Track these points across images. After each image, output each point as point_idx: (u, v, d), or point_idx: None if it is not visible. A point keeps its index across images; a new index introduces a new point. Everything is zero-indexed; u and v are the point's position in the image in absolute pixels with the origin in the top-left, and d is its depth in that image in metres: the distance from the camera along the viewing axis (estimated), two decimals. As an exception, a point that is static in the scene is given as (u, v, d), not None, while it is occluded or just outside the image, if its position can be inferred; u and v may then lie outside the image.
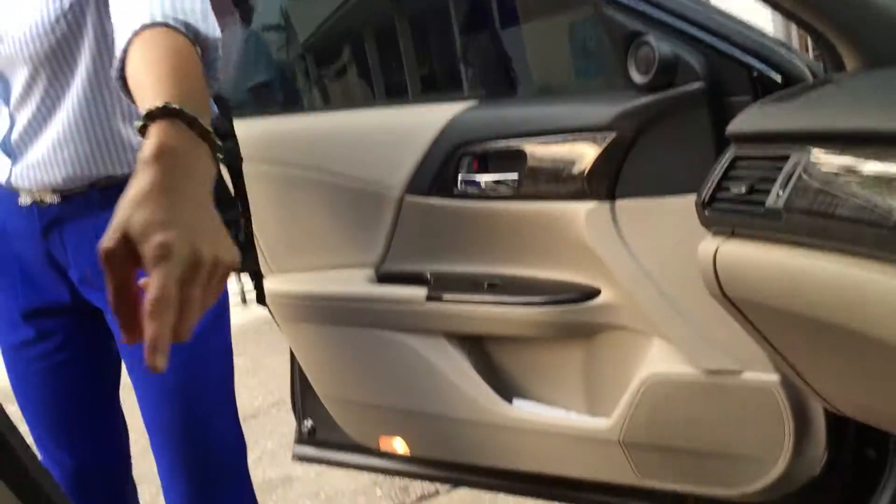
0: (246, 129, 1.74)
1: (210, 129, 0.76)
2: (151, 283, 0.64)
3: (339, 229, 1.76)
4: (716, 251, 1.07)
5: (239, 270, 1.65)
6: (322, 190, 1.72)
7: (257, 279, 1.79)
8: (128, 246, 0.66)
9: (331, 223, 1.76)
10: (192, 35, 0.95)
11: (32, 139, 1.26)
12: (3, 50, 1.21)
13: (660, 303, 1.39)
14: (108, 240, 0.66)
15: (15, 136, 1.27)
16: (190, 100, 0.78)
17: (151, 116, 0.74)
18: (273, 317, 1.85)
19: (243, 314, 4.59)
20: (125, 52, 0.93)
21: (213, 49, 1.01)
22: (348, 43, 2.16)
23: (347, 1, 2.09)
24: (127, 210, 0.67)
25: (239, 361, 3.92)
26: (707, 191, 1.10)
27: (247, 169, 1.72)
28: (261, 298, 1.72)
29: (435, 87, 1.93)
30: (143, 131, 0.74)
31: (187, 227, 0.67)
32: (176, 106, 0.74)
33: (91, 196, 1.28)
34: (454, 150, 1.55)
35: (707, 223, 1.11)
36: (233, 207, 1.67)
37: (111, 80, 1.13)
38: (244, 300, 4.84)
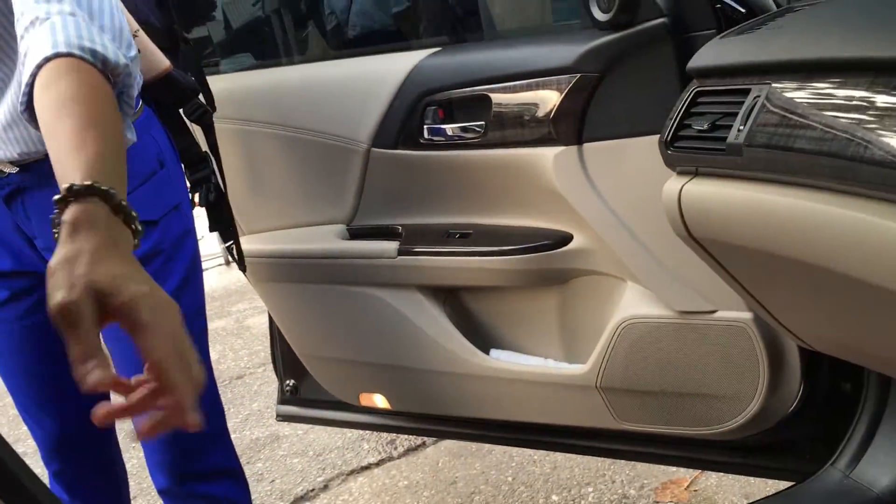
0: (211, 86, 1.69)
1: (125, 202, 0.74)
2: (151, 341, 0.62)
3: (309, 186, 1.73)
4: (680, 190, 1.05)
5: (212, 229, 1.61)
6: (289, 146, 1.69)
7: (235, 242, 1.76)
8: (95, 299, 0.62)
9: (299, 181, 1.73)
10: (101, 64, 0.90)
11: None
12: None
13: (631, 246, 1.37)
14: (67, 293, 0.61)
15: None
16: (110, 168, 0.77)
17: (75, 194, 0.71)
18: (248, 279, 1.83)
19: (227, 276, 4.57)
20: (30, 85, 0.88)
21: (126, 75, 0.96)
22: None
23: None
24: (81, 266, 0.64)
25: (223, 323, 3.93)
26: (669, 129, 1.07)
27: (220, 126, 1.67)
28: (241, 264, 1.70)
29: (396, 35, 1.87)
30: (61, 203, 0.71)
31: (148, 279, 0.66)
32: (101, 186, 0.72)
33: (49, 165, 1.24)
34: (418, 100, 1.51)
35: (671, 162, 1.09)
36: (202, 166, 1.63)
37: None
38: (227, 262, 4.81)
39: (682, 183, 1.05)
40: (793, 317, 1.14)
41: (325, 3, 1.87)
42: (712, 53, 1.07)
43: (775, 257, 0.95)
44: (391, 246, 1.61)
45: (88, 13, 0.98)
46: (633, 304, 1.42)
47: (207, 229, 1.61)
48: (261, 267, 1.78)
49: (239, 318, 3.86)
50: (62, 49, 0.88)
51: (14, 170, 1.26)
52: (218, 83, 1.64)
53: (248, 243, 1.76)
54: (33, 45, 0.91)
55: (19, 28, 0.96)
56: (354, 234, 1.69)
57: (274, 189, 1.76)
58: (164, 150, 1.37)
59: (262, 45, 2.06)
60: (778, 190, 0.89)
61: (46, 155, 1.24)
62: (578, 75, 1.33)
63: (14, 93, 1.20)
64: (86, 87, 0.86)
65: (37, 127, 0.88)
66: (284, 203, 1.77)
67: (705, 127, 0.98)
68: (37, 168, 1.24)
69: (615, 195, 1.37)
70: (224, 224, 1.65)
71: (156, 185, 1.34)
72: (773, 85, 0.91)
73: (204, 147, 1.57)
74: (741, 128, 0.92)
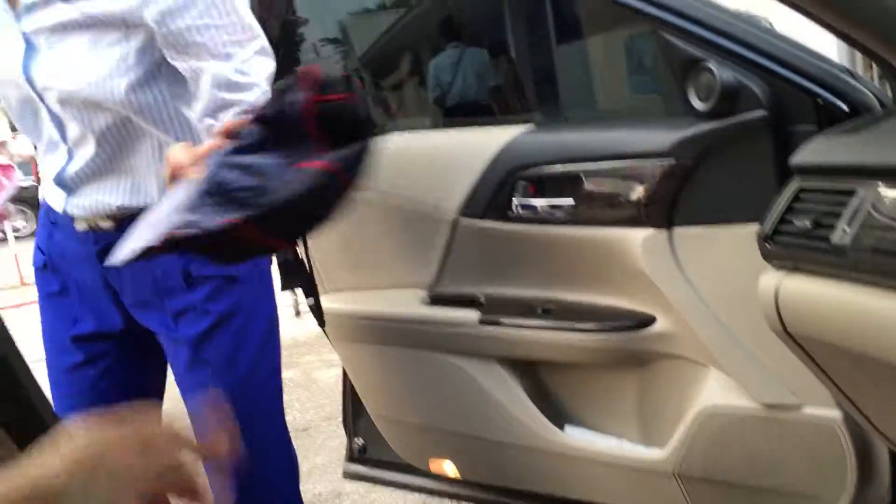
0: None
1: None
2: None
3: (394, 249, 1.77)
4: (777, 286, 1.04)
5: (283, 288, 1.67)
6: (377, 210, 1.73)
7: (315, 299, 1.81)
8: None
9: (385, 243, 1.77)
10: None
11: (88, 174, 1.31)
12: (60, 95, 1.25)
13: (717, 333, 1.36)
14: None
15: (71, 170, 1.31)
16: None
17: None
18: (327, 335, 1.86)
19: (296, 327, 4.65)
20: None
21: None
22: (404, 61, 2.17)
23: (404, 17, 2.11)
24: None
25: (291, 374, 3.98)
26: (770, 224, 1.07)
27: None
28: (320, 320, 1.74)
29: (490, 109, 1.92)
30: None
31: None
32: None
33: None
34: (510, 174, 1.54)
35: (769, 257, 1.09)
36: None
37: (159, 125, 1.28)
38: (297, 313, 4.90)
39: (781, 278, 1.04)
40: (888, 419, 1.11)
41: (430, 76, 1.94)
42: (816, 151, 1.08)
43: (875, 360, 0.93)
44: (472, 315, 1.62)
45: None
46: (717, 392, 1.40)
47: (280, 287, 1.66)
48: (341, 325, 1.82)
49: (307, 370, 3.91)
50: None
51: (110, 225, 1.32)
52: None
53: (329, 301, 1.81)
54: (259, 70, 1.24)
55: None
56: (436, 300, 1.71)
57: (358, 249, 1.80)
58: None
59: None
60: (883, 293, 0.88)
61: (140, 209, 1.32)
62: (672, 161, 1.34)
63: (124, 149, 1.28)
64: None
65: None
66: (368, 264, 1.80)
67: (808, 225, 0.98)
68: (130, 223, 1.31)
69: (703, 281, 1.36)
70: (302, 281, 1.70)
71: None
72: (881, 188, 0.91)
73: None
74: (846, 229, 0.92)
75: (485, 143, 1.60)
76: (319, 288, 1.84)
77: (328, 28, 2.05)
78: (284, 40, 2.04)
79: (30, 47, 1.27)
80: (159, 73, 1.27)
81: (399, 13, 1.95)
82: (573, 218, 1.48)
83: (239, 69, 1.22)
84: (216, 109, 1.24)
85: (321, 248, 1.80)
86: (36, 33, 1.26)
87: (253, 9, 1.30)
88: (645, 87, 1.69)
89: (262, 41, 1.27)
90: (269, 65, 1.27)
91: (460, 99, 1.90)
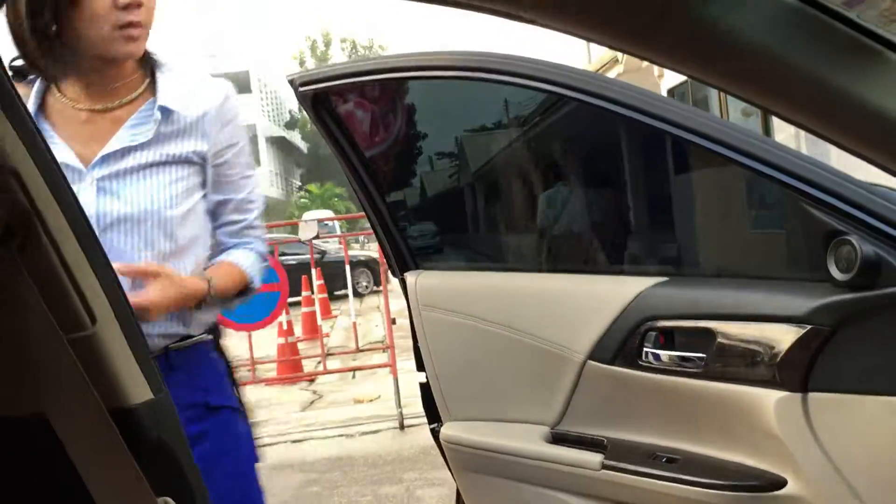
0: (435, 280, 1.93)
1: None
2: None
3: (519, 384, 1.83)
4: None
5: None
6: (505, 344, 1.81)
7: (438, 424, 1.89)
8: None
9: (511, 377, 1.84)
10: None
11: None
12: (120, 217, 1.48)
13: (853, 504, 1.34)
14: None
15: None
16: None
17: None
18: (447, 464, 1.91)
19: (400, 440, 4.69)
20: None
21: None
22: (515, 186, 2.28)
23: (516, 140, 2.20)
24: None
25: (393, 490, 4.01)
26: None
27: (429, 315, 1.88)
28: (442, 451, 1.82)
29: (617, 257, 1.98)
30: None
31: None
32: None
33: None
34: (641, 324, 1.60)
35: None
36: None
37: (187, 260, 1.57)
38: (402, 427, 4.95)
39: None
40: None
41: (541, 212, 2.03)
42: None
43: None
44: (595, 458, 1.64)
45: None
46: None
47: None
48: (462, 455, 1.86)
49: (410, 488, 3.92)
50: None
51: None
52: (434, 278, 1.88)
53: (452, 430, 1.87)
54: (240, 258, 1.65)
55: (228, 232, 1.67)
56: (559, 438, 1.75)
57: (483, 381, 1.87)
58: None
59: (487, 249, 2.24)
60: None
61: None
62: (810, 327, 1.36)
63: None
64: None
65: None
66: (492, 396, 1.86)
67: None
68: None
69: (840, 449, 1.35)
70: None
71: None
72: None
73: None
74: None
75: (618, 291, 1.66)
76: (442, 414, 1.90)
77: (446, 142, 2.15)
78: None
79: (101, 190, 1.50)
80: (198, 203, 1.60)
81: (513, 134, 2.07)
82: (704, 372, 1.51)
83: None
84: (233, 231, 1.66)
85: (444, 375, 1.88)
86: (109, 178, 1.50)
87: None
88: (767, 223, 1.71)
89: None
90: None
91: (573, 240, 1.98)
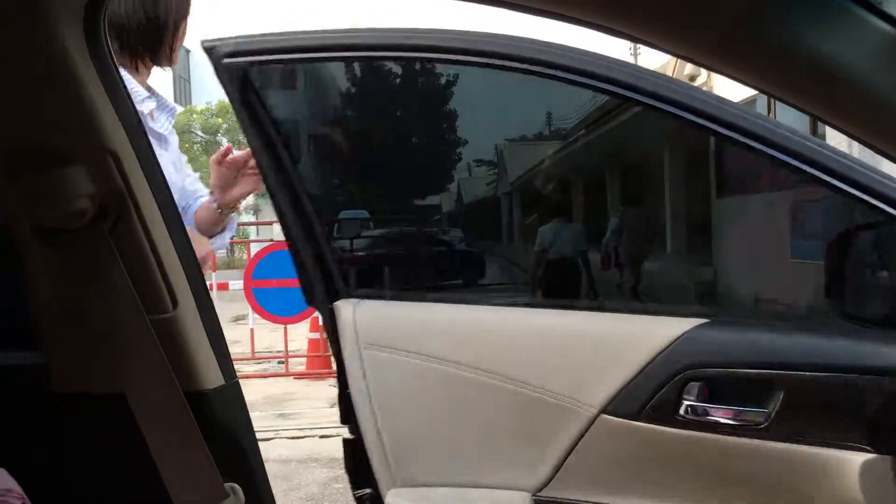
0: (381, 312, 1.54)
1: None
2: None
3: (493, 441, 1.50)
4: None
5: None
6: (477, 392, 1.47)
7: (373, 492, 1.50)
8: None
9: (482, 432, 1.50)
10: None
11: None
12: None
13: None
14: None
15: None
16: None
17: None
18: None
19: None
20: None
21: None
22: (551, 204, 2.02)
23: (559, 151, 1.98)
24: None
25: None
26: None
27: (374, 355, 1.49)
28: None
29: (642, 295, 1.84)
30: None
31: None
32: None
33: None
34: (680, 373, 1.36)
35: None
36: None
37: None
38: None
39: None
40: None
41: (563, 244, 1.79)
42: None
43: None
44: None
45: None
46: None
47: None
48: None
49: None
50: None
51: None
52: (379, 310, 1.54)
53: (397, 499, 1.48)
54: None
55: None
56: (543, 507, 1.46)
57: (445, 437, 1.52)
58: None
59: (454, 274, 1.91)
60: None
61: None
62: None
63: None
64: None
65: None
66: (456, 455, 1.51)
67: None
68: None
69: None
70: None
71: None
72: None
73: None
74: None
75: (648, 334, 1.41)
76: (383, 478, 1.50)
77: (486, 150, 1.84)
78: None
79: None
80: None
81: (555, 145, 1.80)
82: (765, 429, 1.32)
83: None
84: None
85: (393, 428, 1.50)
86: None
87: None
88: (808, 252, 1.58)
89: None
90: None
91: (575, 269, 1.74)
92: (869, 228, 1.38)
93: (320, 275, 1.54)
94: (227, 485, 0.89)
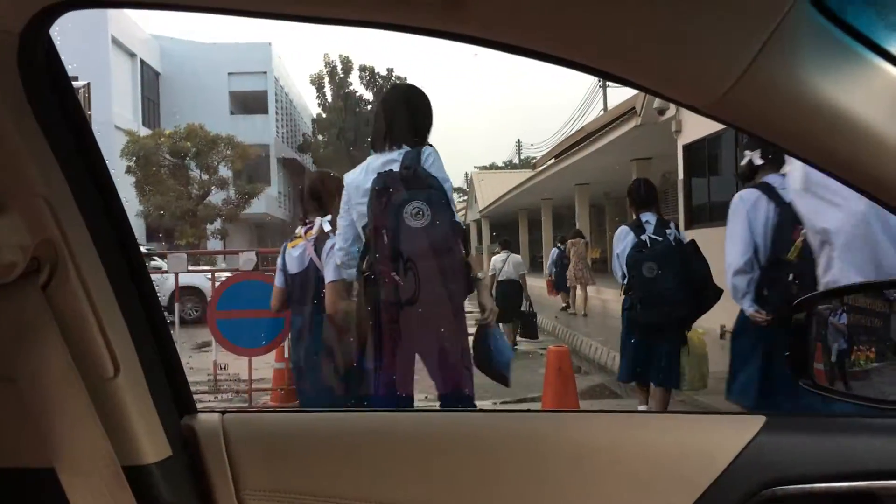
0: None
1: None
2: None
3: None
4: None
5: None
6: None
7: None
8: None
9: None
10: None
11: None
12: None
13: None
14: None
15: None
16: None
17: None
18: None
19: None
20: None
21: None
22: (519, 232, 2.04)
23: (524, 184, 1.99)
24: None
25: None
26: None
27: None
28: None
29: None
30: None
31: None
32: None
33: None
34: (756, 492, 0.98)
35: None
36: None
37: None
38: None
39: None
40: None
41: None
42: None
43: None
44: None
45: None
46: None
47: None
48: None
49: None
50: None
51: None
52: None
53: None
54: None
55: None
56: None
57: None
58: None
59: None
60: None
61: None
62: None
63: None
64: None
65: None
66: None
67: None
68: None
69: None
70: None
71: None
72: None
73: None
74: None
75: (696, 443, 1.04)
76: None
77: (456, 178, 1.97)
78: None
79: None
80: None
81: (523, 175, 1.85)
82: None
83: None
84: None
85: None
86: None
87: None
88: None
89: None
90: None
91: None
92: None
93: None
94: None
